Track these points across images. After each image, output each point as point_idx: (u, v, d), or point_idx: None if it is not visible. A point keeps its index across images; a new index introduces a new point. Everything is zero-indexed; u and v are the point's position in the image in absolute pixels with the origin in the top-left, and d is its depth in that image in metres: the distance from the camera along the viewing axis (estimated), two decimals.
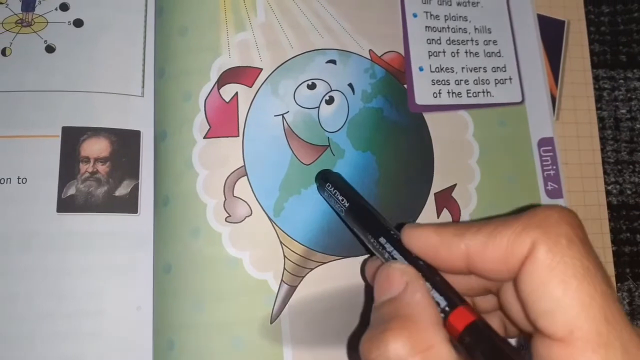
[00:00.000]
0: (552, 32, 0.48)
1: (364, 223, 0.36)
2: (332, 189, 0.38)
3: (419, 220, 0.42)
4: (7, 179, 0.40)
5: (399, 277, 0.30)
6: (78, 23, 0.43)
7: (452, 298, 0.29)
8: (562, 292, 0.25)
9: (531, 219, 0.27)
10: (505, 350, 0.26)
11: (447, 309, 0.29)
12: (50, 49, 0.42)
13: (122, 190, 0.41)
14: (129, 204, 0.41)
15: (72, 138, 0.41)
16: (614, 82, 0.49)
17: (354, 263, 0.41)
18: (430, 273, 0.31)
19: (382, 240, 0.34)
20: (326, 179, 0.39)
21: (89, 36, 0.43)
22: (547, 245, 0.26)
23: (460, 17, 0.47)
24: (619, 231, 0.47)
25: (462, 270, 0.30)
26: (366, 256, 0.41)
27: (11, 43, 0.42)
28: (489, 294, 0.33)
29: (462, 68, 0.46)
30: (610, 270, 0.45)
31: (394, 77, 0.44)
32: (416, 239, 0.31)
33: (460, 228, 0.29)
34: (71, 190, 0.40)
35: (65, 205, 0.40)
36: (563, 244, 0.26)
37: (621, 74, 0.50)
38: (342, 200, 0.37)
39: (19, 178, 0.40)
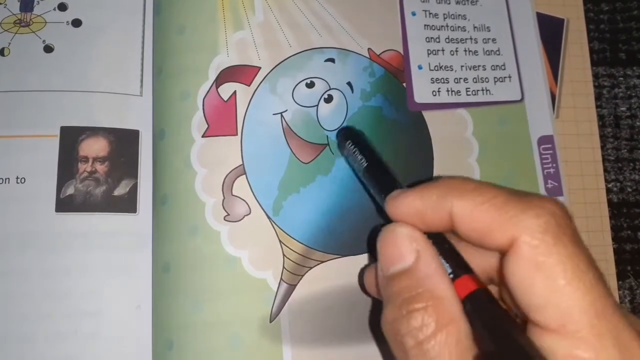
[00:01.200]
0: (551, 30, 0.48)
1: (379, 183, 0.35)
2: (352, 147, 0.38)
3: None
4: (5, 178, 0.40)
5: (408, 245, 0.29)
6: (76, 23, 0.43)
7: (457, 266, 0.29)
8: (550, 289, 0.25)
9: (518, 208, 0.27)
10: (504, 321, 0.26)
11: (451, 276, 0.28)
12: (48, 49, 0.42)
13: (121, 189, 0.41)
14: (128, 204, 0.41)
15: (70, 138, 0.41)
16: (614, 79, 0.49)
17: (354, 262, 0.40)
18: (437, 238, 0.30)
19: None
20: (347, 137, 0.39)
21: (87, 36, 0.42)
22: (531, 242, 0.26)
23: (459, 15, 0.46)
24: (619, 229, 0.47)
25: (449, 230, 0.30)
26: (365, 255, 0.40)
27: (9, 43, 0.42)
28: (490, 284, 0.33)
29: (462, 66, 0.45)
30: (612, 268, 0.45)
31: (393, 75, 0.44)
32: (401, 207, 0.31)
33: (443, 188, 0.29)
34: (70, 190, 0.40)
35: (64, 204, 0.40)
36: (549, 242, 0.26)
37: (621, 72, 0.49)
38: (361, 159, 0.37)
39: (17, 178, 0.40)
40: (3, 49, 0.42)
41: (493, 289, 0.32)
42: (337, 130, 0.41)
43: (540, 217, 0.26)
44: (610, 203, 0.46)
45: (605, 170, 0.47)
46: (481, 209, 0.27)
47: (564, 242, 0.26)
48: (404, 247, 0.29)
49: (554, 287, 0.25)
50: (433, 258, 0.29)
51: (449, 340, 0.26)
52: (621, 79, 0.49)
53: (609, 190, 0.47)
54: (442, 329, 0.26)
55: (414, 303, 0.27)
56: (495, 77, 0.46)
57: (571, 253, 0.25)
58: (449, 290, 0.28)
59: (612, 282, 0.45)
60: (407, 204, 0.30)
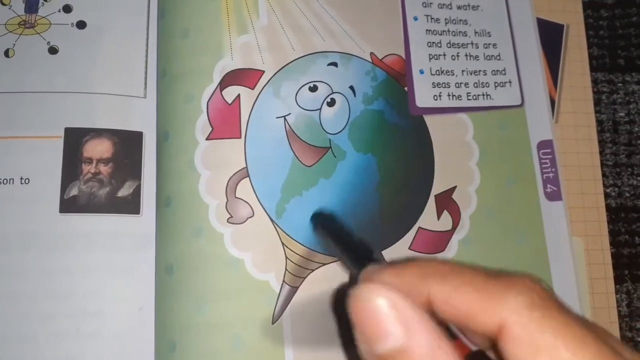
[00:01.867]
0: (551, 36, 0.48)
1: (353, 260, 0.34)
2: (322, 232, 0.38)
3: (420, 221, 0.42)
4: (10, 179, 0.40)
5: (392, 318, 0.24)
6: (81, 25, 0.42)
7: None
8: None
9: (498, 288, 0.25)
10: None
11: None
12: (53, 50, 0.42)
13: (125, 191, 0.40)
14: (131, 205, 0.40)
15: (74, 139, 0.41)
16: (613, 85, 0.49)
17: None
18: None
19: None
20: (316, 223, 0.39)
21: (91, 38, 0.42)
22: (521, 321, 0.24)
23: (460, 20, 0.46)
24: (617, 233, 0.47)
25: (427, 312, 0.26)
26: None
27: (14, 44, 0.42)
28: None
29: (463, 71, 0.45)
30: (609, 272, 0.45)
31: (395, 79, 0.44)
32: (378, 282, 0.27)
33: (421, 270, 0.26)
34: (73, 191, 0.40)
35: (68, 205, 0.40)
36: (538, 317, 0.24)
37: (620, 78, 0.49)
38: (333, 243, 0.37)
39: (21, 178, 0.40)
40: (8, 50, 0.41)
41: None
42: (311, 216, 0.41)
43: (523, 294, 0.24)
44: (608, 208, 0.46)
45: (603, 175, 0.47)
46: (461, 292, 0.25)
47: (553, 314, 0.24)
48: (388, 322, 0.24)
49: None
50: (429, 332, 0.24)
51: None
52: (620, 84, 0.49)
53: (607, 195, 0.47)
54: None
55: None
56: (495, 82, 0.46)
57: (564, 322, 0.23)
58: None
59: (610, 286, 0.45)
60: (384, 282, 0.26)
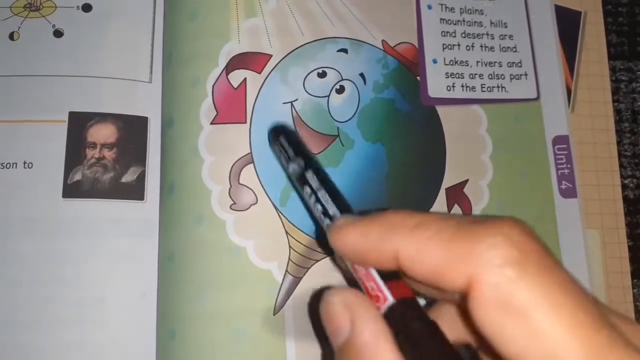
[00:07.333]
0: (568, 23, 0.45)
1: (323, 201, 0.31)
2: (285, 145, 0.34)
3: None
4: (13, 163, 0.37)
5: (342, 314, 0.25)
6: (87, 8, 0.40)
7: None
8: (526, 333, 0.20)
9: (469, 240, 0.21)
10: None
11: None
12: (58, 33, 0.39)
13: (129, 176, 0.38)
14: (135, 191, 0.38)
15: (79, 123, 0.38)
16: (632, 73, 0.46)
17: None
18: None
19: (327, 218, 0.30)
20: (278, 134, 0.35)
21: (97, 21, 0.40)
22: (490, 280, 0.20)
23: (475, 10, 0.43)
24: (635, 226, 0.43)
25: (396, 269, 0.25)
26: None
27: (19, 27, 0.39)
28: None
29: (477, 62, 0.42)
30: (626, 266, 0.42)
31: (407, 68, 0.41)
32: (342, 243, 0.26)
33: (385, 226, 0.24)
34: (77, 176, 0.38)
35: (71, 190, 0.37)
36: (512, 276, 0.20)
37: (639, 66, 0.46)
38: (295, 158, 0.33)
39: (25, 163, 0.38)
40: (13, 33, 0.39)
41: None
42: (270, 128, 0.37)
43: (497, 248, 0.21)
44: (626, 199, 0.43)
45: (621, 166, 0.44)
46: (428, 247, 0.22)
47: (531, 272, 0.20)
48: (339, 318, 0.25)
49: (529, 329, 0.19)
50: (368, 323, 0.24)
51: None
52: (639, 73, 0.46)
53: (625, 187, 0.43)
54: None
55: None
56: (511, 74, 0.43)
57: (542, 283, 0.20)
58: (389, 355, 0.23)
59: (627, 280, 0.42)
60: (349, 240, 0.26)
